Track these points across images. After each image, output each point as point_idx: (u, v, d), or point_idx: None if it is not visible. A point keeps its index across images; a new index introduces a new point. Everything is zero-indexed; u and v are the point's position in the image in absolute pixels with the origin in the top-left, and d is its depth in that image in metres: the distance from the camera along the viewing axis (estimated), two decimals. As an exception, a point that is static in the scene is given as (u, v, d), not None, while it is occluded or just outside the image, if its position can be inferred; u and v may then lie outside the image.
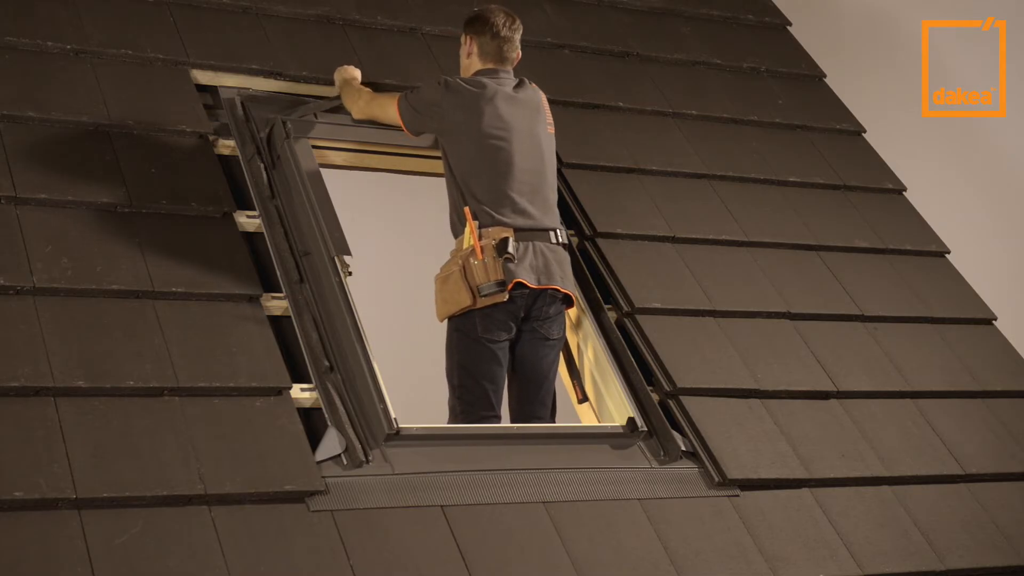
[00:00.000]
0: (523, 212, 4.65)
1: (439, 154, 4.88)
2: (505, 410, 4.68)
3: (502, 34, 4.80)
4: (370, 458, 4.15)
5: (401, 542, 3.97)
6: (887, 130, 6.45)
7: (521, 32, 4.86)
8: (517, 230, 4.62)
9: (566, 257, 4.73)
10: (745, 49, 6.31)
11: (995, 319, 5.56)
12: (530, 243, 4.63)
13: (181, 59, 5.01)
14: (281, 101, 5.04)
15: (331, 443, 4.12)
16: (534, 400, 4.68)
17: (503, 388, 4.66)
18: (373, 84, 5.13)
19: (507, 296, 4.56)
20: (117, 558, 3.64)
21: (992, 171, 7.14)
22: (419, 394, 5.31)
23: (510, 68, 4.83)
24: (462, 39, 4.88)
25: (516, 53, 4.85)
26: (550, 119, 4.84)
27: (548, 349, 4.68)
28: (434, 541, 4.01)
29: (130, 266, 4.29)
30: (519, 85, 4.81)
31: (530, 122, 4.75)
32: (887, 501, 4.69)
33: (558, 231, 4.72)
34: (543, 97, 4.86)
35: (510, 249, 4.56)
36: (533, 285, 4.58)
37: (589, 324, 4.83)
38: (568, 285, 4.70)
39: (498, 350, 4.61)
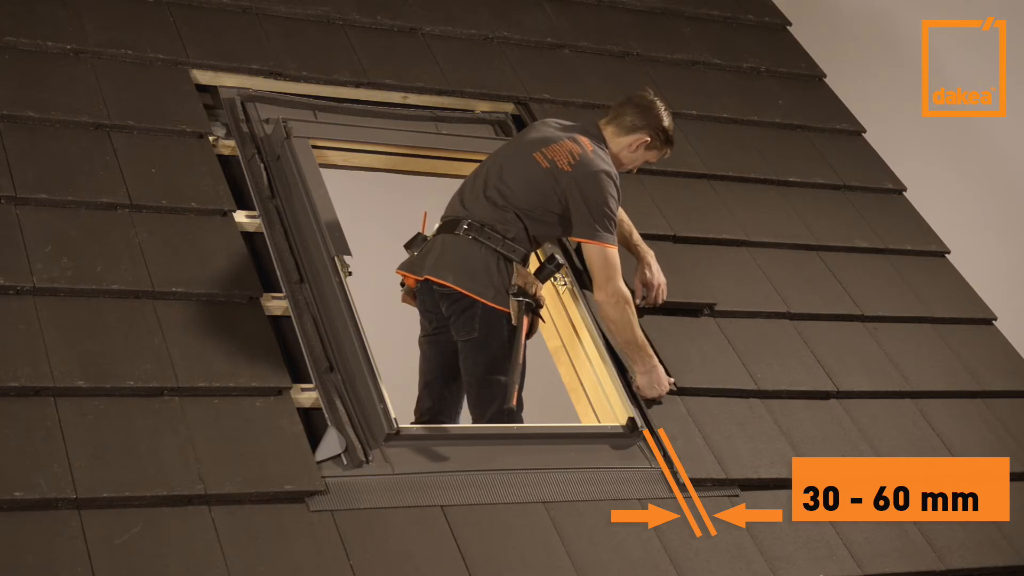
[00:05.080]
0: (454, 203, 4.57)
1: (439, 154, 4.86)
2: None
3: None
4: (370, 458, 4.14)
5: (401, 542, 3.97)
6: (887, 130, 6.45)
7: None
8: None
9: (469, 248, 4.44)
10: (745, 49, 6.31)
11: (995, 319, 5.55)
12: (438, 236, 4.54)
13: (181, 59, 5.02)
14: (281, 101, 5.05)
15: (331, 443, 4.12)
16: (462, 400, 4.65)
17: (432, 384, 4.64)
18: (375, 84, 5.14)
19: (404, 291, 4.61)
20: (117, 558, 3.63)
21: (992, 171, 7.13)
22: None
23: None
24: (638, 135, 4.59)
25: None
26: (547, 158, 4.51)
27: (461, 347, 4.52)
28: (434, 541, 4.01)
29: (130, 266, 4.29)
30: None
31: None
32: (887, 501, 4.69)
33: (475, 223, 4.44)
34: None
35: (415, 243, 4.58)
36: (400, 272, 4.59)
37: (589, 323, 4.83)
38: (447, 275, 4.45)
39: (423, 344, 4.66)
